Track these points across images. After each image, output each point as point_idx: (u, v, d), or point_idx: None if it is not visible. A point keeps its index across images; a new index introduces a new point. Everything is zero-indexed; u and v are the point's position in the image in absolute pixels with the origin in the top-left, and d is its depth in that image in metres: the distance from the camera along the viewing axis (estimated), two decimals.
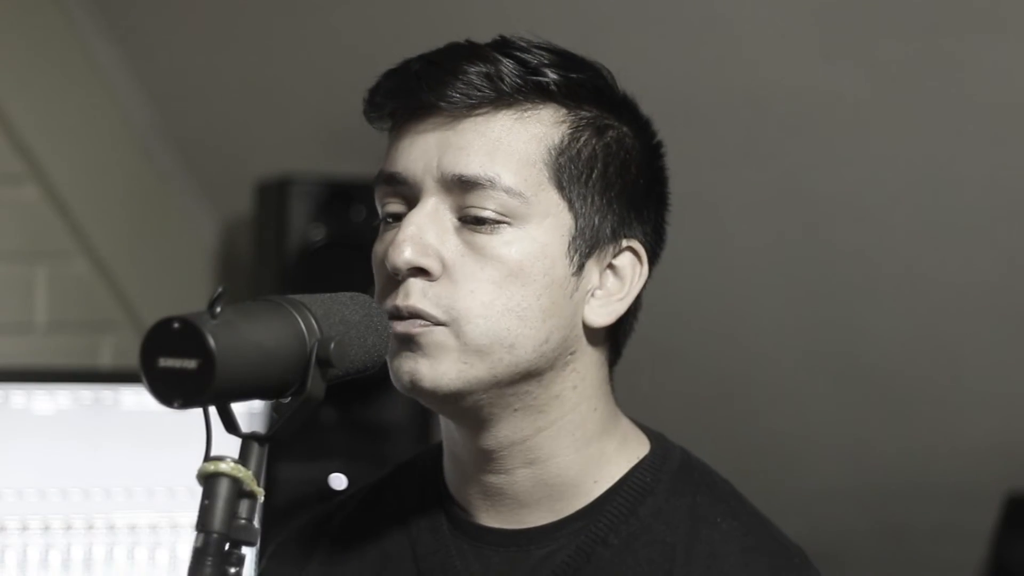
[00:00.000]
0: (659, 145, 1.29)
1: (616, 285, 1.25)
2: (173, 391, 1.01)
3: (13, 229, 2.86)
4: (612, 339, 1.28)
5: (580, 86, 1.22)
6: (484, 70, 1.19)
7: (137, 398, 2.21)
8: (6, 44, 2.83)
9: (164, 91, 3.09)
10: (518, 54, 1.22)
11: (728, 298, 2.73)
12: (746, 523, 1.26)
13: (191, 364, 1.00)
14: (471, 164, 1.19)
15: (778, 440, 2.89)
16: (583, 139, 1.22)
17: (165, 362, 1.00)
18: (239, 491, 1.03)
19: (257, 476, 1.05)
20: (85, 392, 2.21)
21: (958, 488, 2.78)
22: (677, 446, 1.31)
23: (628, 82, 1.28)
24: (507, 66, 1.20)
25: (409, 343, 1.19)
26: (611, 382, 1.29)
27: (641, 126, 1.27)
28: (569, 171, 1.21)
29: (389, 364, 1.21)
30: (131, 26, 3.02)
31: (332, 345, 1.07)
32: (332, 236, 2.90)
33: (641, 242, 1.25)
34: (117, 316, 3.06)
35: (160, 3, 3.00)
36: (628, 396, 1.30)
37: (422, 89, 1.19)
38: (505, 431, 1.23)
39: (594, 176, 1.22)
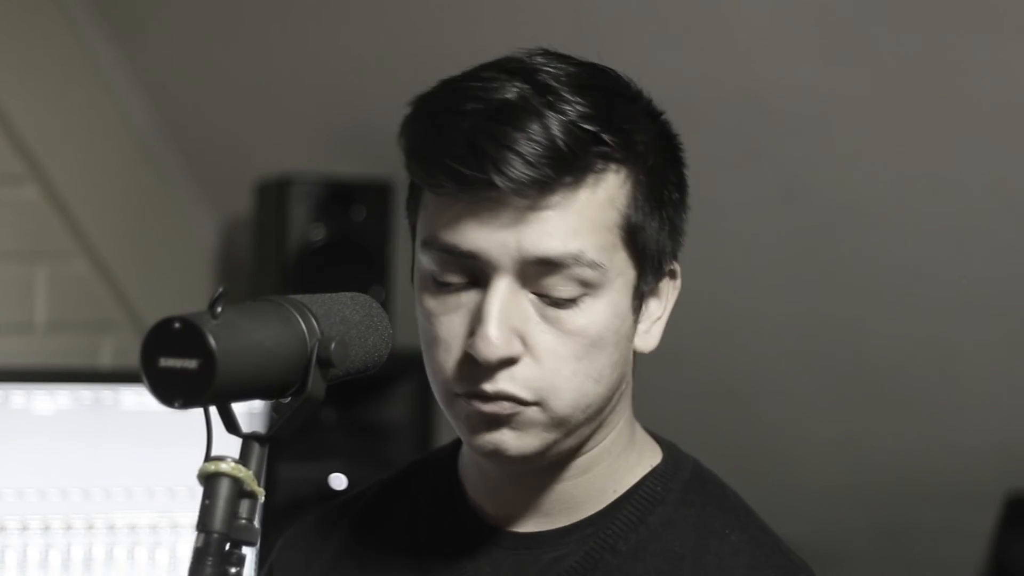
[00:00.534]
0: (678, 141, 1.27)
1: (656, 306, 1.26)
2: (174, 391, 1.01)
3: (13, 229, 2.86)
4: None
5: (632, 134, 1.20)
6: (550, 147, 1.14)
7: (137, 398, 2.21)
8: (6, 44, 2.84)
9: (164, 91, 3.09)
10: (571, 112, 1.16)
11: (728, 297, 2.73)
12: (755, 536, 1.26)
13: (192, 364, 1.00)
14: (554, 245, 1.16)
15: (778, 440, 2.90)
16: (643, 186, 1.21)
17: (166, 362, 1.00)
18: (240, 491, 1.03)
19: (258, 476, 1.05)
20: (85, 392, 2.21)
21: (958, 488, 2.78)
22: (689, 456, 1.31)
23: None
24: (573, 136, 1.15)
25: (498, 423, 1.19)
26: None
27: (661, 128, 1.26)
28: (637, 227, 1.20)
29: (466, 434, 1.21)
30: (131, 26, 3.02)
31: (332, 345, 1.07)
32: (332, 236, 2.90)
33: (675, 257, 1.26)
34: (117, 316, 3.06)
35: (160, 3, 3.01)
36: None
37: (496, 174, 1.13)
38: (550, 457, 1.24)
39: (655, 224, 1.21)
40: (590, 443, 1.25)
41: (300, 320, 1.08)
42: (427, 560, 1.28)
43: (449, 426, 1.25)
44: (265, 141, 3.09)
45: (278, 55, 2.96)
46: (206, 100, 3.09)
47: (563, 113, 1.16)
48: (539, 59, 1.20)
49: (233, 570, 1.03)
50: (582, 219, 1.17)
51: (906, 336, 2.68)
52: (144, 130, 3.12)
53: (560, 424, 1.19)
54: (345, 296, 1.15)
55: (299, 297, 1.10)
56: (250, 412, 1.26)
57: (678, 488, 1.27)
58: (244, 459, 1.05)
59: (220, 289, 1.02)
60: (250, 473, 1.04)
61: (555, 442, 1.20)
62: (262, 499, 1.05)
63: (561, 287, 1.17)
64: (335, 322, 1.10)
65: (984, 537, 2.78)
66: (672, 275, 1.26)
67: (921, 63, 2.34)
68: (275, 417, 1.08)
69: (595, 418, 1.22)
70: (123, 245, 3.08)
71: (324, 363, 1.07)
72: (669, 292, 1.26)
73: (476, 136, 1.15)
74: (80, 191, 2.98)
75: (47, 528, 2.18)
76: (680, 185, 1.26)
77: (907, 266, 2.60)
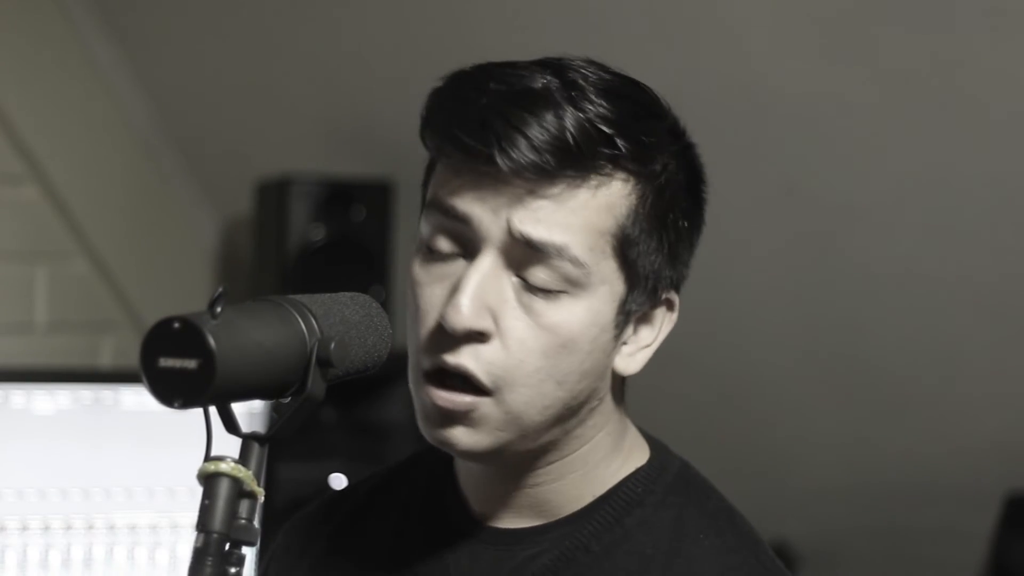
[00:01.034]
0: (701, 173, 1.27)
1: (647, 334, 1.25)
2: (174, 391, 1.01)
3: (13, 229, 2.86)
4: None
5: (650, 149, 1.20)
6: (559, 137, 1.16)
7: (137, 398, 2.21)
8: (6, 44, 2.84)
9: (164, 91, 3.09)
10: (590, 111, 1.18)
11: (728, 299, 2.73)
12: (730, 542, 1.25)
13: (192, 364, 1.00)
14: (540, 231, 1.17)
15: (778, 440, 2.90)
16: (649, 203, 1.21)
17: (166, 362, 1.00)
18: (239, 491, 1.04)
19: (257, 476, 1.05)
20: (85, 392, 2.21)
21: (958, 488, 2.78)
22: (678, 458, 1.31)
23: None
24: (585, 133, 1.17)
25: (452, 419, 1.19)
26: (624, 399, 1.29)
27: (685, 153, 1.25)
28: (630, 240, 1.20)
29: (422, 425, 1.22)
30: (131, 26, 3.02)
31: (332, 345, 1.07)
32: (332, 236, 2.91)
33: (676, 290, 1.26)
34: (117, 316, 3.06)
35: (160, 3, 3.01)
36: (628, 397, 1.30)
37: (498, 151, 1.15)
38: (519, 465, 1.25)
39: (652, 243, 1.21)
40: (559, 452, 1.24)
41: (300, 320, 1.08)
42: (413, 550, 1.30)
43: None
44: (265, 141, 3.09)
45: (278, 55, 2.96)
46: (206, 100, 3.09)
47: (582, 111, 1.17)
48: (579, 62, 1.21)
49: (233, 570, 1.03)
50: (576, 216, 1.17)
51: (906, 336, 2.68)
52: (144, 130, 3.12)
53: (514, 422, 1.19)
54: (345, 296, 1.15)
55: (299, 297, 1.10)
56: (250, 412, 1.26)
57: (660, 490, 1.27)
58: (244, 459, 1.05)
59: (220, 289, 1.02)
60: (250, 473, 1.04)
61: (509, 442, 1.20)
62: (262, 499, 1.05)
63: (543, 276, 1.18)
64: (335, 322, 1.10)
65: (984, 537, 2.78)
66: (670, 306, 1.26)
67: (921, 63, 2.34)
68: (275, 417, 1.08)
69: (556, 425, 1.22)
70: (123, 245, 3.08)
71: (324, 363, 1.07)
72: (663, 323, 1.26)
73: (489, 113, 1.17)
74: (80, 191, 2.98)
75: (47, 528, 2.18)
76: (691, 215, 1.25)
77: (907, 266, 2.60)
